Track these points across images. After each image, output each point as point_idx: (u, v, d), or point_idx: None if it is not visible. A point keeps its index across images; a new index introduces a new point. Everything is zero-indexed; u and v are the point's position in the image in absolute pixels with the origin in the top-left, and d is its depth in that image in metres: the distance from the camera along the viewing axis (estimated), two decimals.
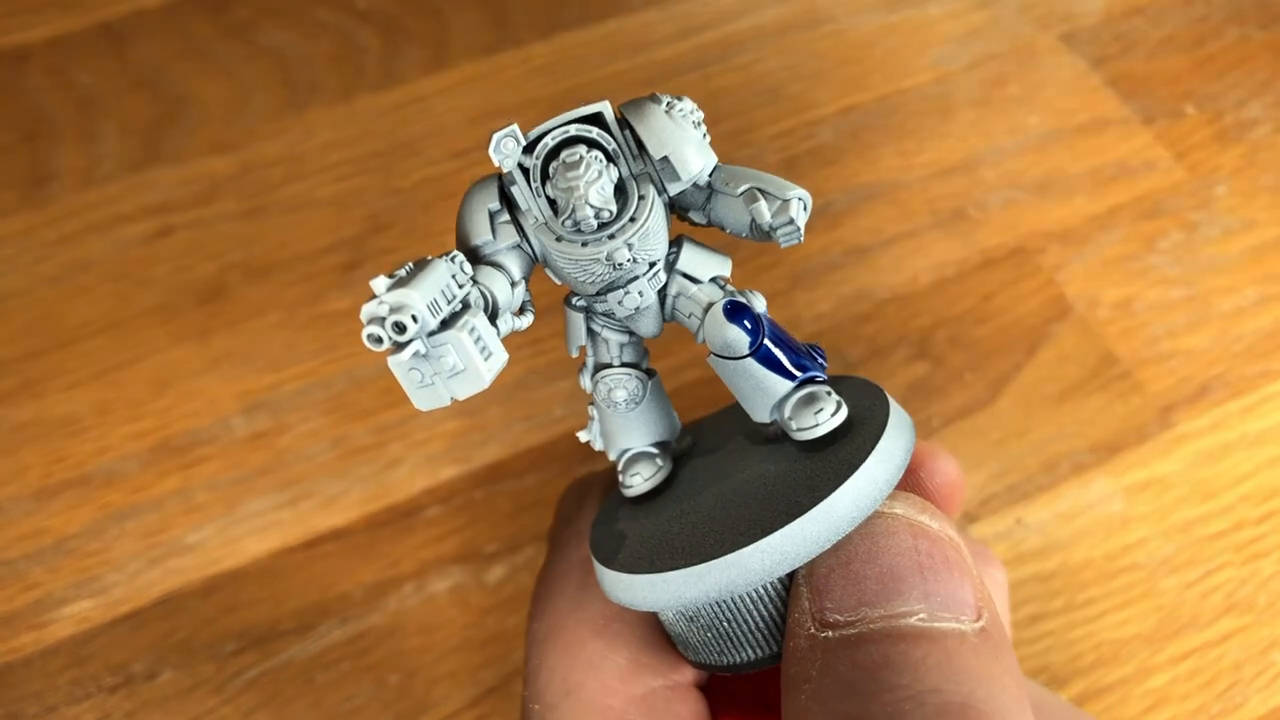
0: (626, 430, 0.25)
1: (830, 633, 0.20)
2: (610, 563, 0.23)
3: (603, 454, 0.26)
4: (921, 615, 0.20)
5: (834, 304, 0.43)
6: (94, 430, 0.40)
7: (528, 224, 0.23)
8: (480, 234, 0.23)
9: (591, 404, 0.25)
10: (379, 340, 0.20)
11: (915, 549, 0.21)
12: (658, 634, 0.25)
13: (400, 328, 0.19)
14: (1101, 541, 0.37)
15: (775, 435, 0.24)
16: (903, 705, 0.18)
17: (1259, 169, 0.47)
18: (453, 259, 0.21)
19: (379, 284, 0.20)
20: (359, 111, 0.50)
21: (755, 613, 0.22)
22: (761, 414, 0.23)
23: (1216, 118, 0.49)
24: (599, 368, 0.25)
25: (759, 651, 0.22)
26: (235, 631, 0.36)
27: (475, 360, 0.20)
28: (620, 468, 0.25)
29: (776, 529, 0.21)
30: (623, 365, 0.25)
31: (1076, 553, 0.37)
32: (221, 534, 0.38)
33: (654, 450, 0.25)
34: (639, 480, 0.25)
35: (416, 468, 0.39)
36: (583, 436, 0.26)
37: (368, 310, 0.20)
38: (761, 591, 0.22)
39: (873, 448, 0.21)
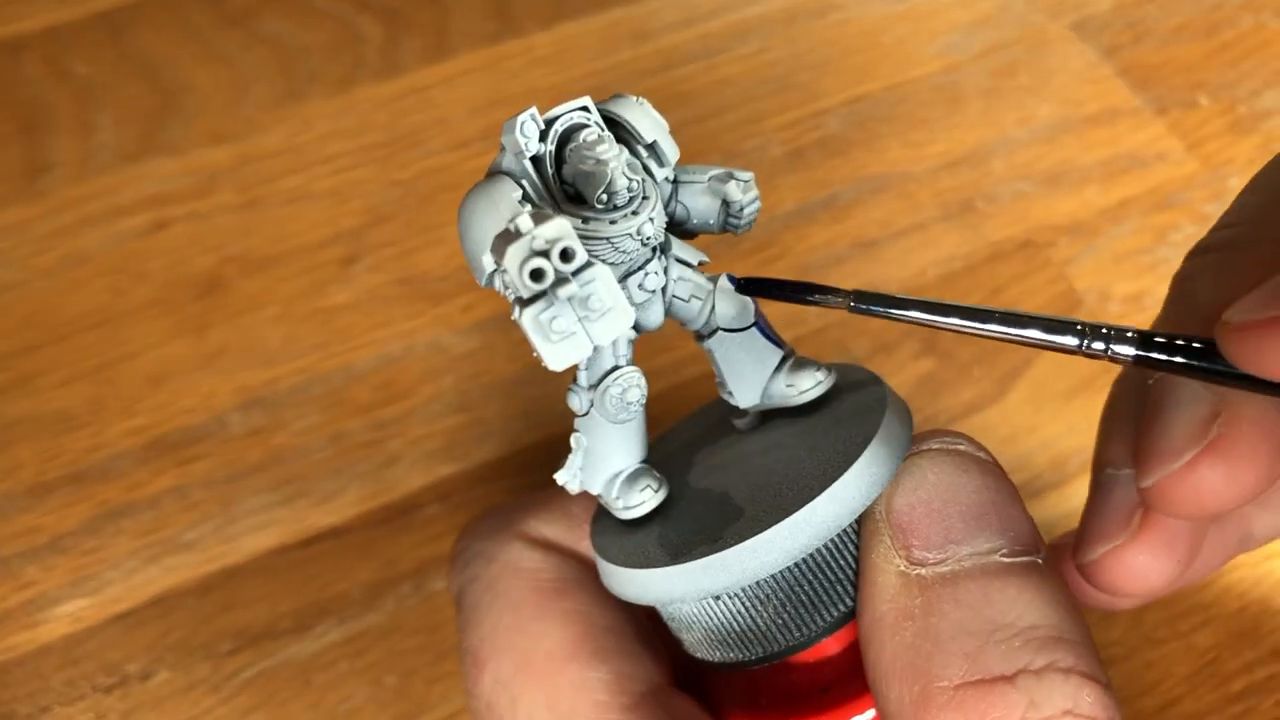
0: (623, 446, 0.24)
1: (923, 570, 0.20)
2: (679, 558, 0.22)
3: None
4: (1004, 551, 0.20)
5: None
6: (89, 426, 0.39)
7: None
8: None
9: (576, 432, 0.23)
10: (541, 275, 0.18)
11: (985, 485, 0.21)
12: (629, 643, 0.25)
13: (568, 255, 0.18)
14: None
15: (751, 426, 0.25)
16: (1014, 643, 0.19)
17: None
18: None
19: (525, 221, 0.18)
20: (359, 102, 0.49)
21: (838, 562, 0.22)
22: (754, 392, 0.24)
23: (1230, 108, 0.48)
24: (605, 374, 0.23)
25: (845, 604, 0.22)
26: (232, 631, 0.35)
27: (619, 294, 0.19)
28: (615, 493, 0.24)
29: (855, 458, 0.21)
30: (628, 365, 0.24)
31: None
32: (218, 532, 0.37)
33: (646, 465, 0.24)
34: (650, 494, 0.23)
35: (415, 465, 0.38)
36: (561, 478, 0.24)
37: (523, 246, 0.18)
38: (841, 538, 0.22)
39: (882, 386, 0.23)
